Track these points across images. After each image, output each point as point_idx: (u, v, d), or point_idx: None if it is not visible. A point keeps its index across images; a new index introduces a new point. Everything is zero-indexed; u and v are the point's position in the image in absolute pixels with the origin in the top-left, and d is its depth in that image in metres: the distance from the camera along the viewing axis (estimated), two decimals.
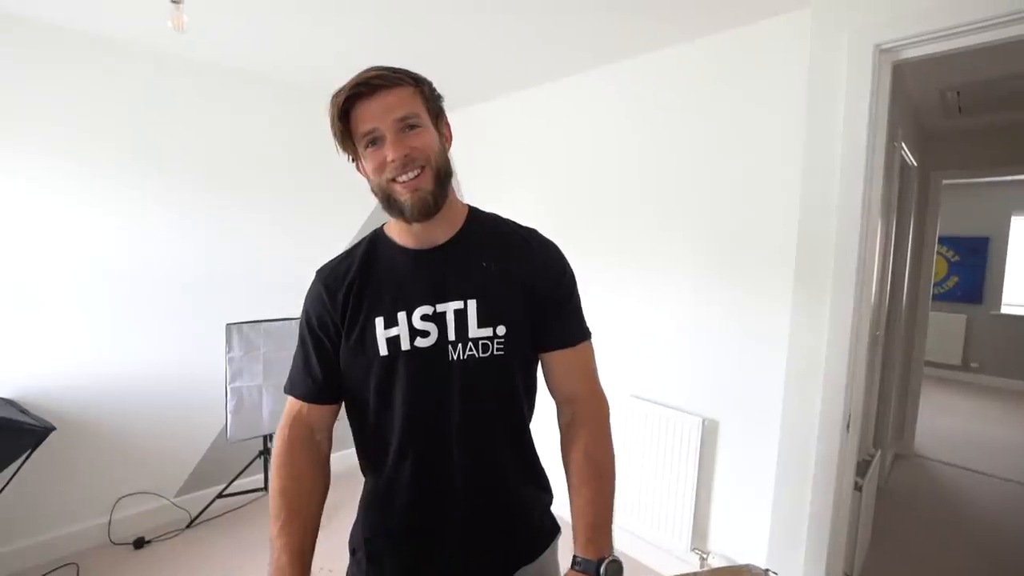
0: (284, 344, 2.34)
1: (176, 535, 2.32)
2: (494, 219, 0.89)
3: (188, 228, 2.37)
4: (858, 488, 1.92)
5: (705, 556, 2.02)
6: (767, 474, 1.76)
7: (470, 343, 0.78)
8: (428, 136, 0.76)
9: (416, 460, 0.79)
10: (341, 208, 2.88)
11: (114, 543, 2.23)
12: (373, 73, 0.73)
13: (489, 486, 0.82)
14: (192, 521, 2.41)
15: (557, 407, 0.89)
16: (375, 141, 0.74)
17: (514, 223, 0.89)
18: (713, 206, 1.95)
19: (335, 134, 0.76)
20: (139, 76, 2.20)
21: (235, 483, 2.51)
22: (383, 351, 0.77)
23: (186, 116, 2.34)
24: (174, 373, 2.38)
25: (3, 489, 1.86)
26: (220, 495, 2.46)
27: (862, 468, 2.09)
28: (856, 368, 1.51)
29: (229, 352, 2.19)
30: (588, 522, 0.78)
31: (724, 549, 1.98)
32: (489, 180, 2.88)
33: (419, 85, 0.77)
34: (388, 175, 0.74)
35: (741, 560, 1.90)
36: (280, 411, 2.61)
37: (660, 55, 2.07)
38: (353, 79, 0.74)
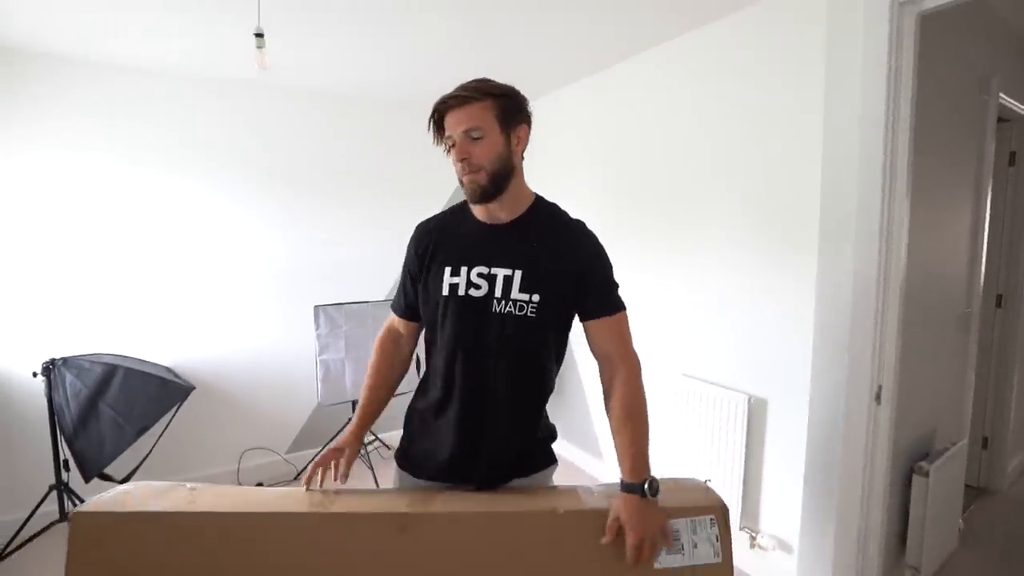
0: (361, 323, 2.72)
1: (288, 485, 2.81)
2: (552, 209, 1.09)
3: (284, 228, 2.85)
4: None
5: (755, 535, 1.98)
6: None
7: (510, 302, 0.99)
8: (488, 145, 0.96)
9: (463, 370, 1.02)
10: (409, 208, 3.18)
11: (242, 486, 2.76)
12: (454, 92, 0.96)
13: (511, 399, 1.04)
14: (298, 475, 2.88)
15: (599, 367, 1.07)
16: (454, 144, 0.98)
17: (566, 215, 1.09)
18: (750, 188, 1.92)
19: (433, 133, 1.01)
20: (242, 104, 2.70)
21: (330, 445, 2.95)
22: (444, 292, 1.02)
23: (277, 134, 2.80)
24: (284, 349, 2.87)
25: (162, 434, 2.43)
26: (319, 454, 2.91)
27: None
28: (885, 334, 1.43)
29: (317, 329, 2.62)
30: (631, 453, 0.96)
31: (774, 529, 1.92)
32: (547, 169, 3.04)
33: (495, 99, 0.96)
34: (458, 169, 0.99)
35: (792, 541, 1.85)
36: (359, 381, 2.95)
37: (692, 36, 2.09)
38: (444, 94, 0.97)
